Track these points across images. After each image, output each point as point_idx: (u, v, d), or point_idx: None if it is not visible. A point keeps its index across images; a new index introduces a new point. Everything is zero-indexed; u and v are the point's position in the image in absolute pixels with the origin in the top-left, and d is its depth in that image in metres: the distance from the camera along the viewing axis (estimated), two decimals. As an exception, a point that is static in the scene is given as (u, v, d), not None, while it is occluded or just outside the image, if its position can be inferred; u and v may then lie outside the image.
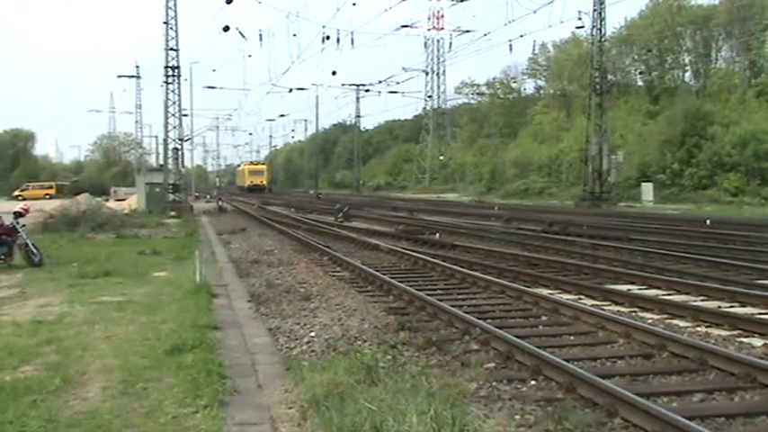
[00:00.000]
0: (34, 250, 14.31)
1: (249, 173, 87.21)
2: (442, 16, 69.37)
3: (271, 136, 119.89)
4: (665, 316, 8.80)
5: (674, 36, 54.93)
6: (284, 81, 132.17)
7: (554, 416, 5.13)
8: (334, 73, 51.47)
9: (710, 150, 39.03)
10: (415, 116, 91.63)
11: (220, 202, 42.39)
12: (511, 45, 40.56)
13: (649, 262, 13.47)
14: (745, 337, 7.66)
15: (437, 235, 20.30)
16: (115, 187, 58.25)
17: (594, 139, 39.04)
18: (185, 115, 43.27)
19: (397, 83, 66.92)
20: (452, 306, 8.96)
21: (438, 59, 79.96)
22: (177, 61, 36.42)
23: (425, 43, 77.36)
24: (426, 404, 4.61)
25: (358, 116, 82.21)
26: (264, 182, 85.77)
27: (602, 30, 39.42)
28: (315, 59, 72.59)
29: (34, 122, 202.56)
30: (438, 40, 76.15)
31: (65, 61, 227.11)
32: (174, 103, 36.96)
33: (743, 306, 9.17)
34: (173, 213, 32.66)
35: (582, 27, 40.85)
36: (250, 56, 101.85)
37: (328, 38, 38.10)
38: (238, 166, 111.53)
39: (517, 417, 5.25)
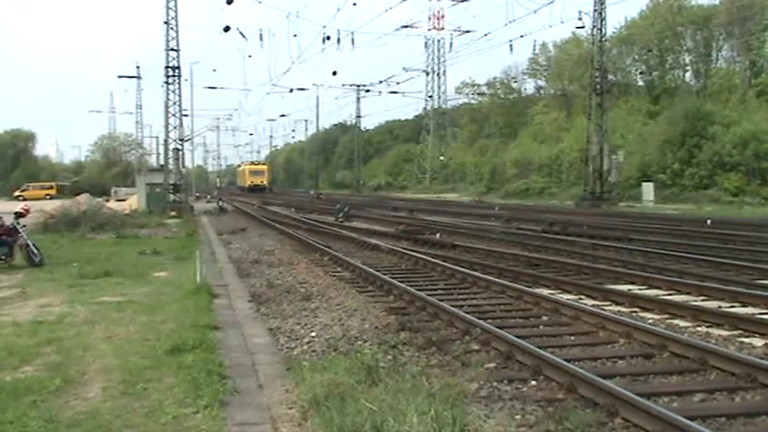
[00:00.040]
0: (35, 250, 14.33)
1: (250, 173, 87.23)
2: (443, 16, 69.72)
3: (271, 136, 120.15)
4: (666, 316, 8.79)
5: (675, 36, 54.95)
6: (285, 81, 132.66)
7: (555, 416, 5.13)
8: (334, 73, 51.51)
9: (711, 150, 39.05)
10: (416, 116, 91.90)
11: (221, 203, 42.38)
12: (511, 45, 40.48)
13: (650, 262, 13.46)
14: (746, 337, 7.66)
15: (437, 235, 20.30)
16: (116, 187, 58.35)
17: (595, 139, 39.04)
18: (186, 115, 43.44)
19: (398, 83, 66.97)
20: (453, 306, 8.95)
21: (438, 59, 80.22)
22: (178, 61, 36.49)
23: (426, 43, 77.74)
24: (427, 404, 4.61)
25: (358, 116, 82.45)
26: (265, 182, 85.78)
27: (603, 30, 39.47)
28: (315, 59, 72.50)
29: (34, 122, 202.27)
30: (438, 41, 76.46)
31: (65, 61, 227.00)
32: (174, 103, 36.97)
33: (743, 306, 9.16)
34: (173, 213, 32.67)
35: (582, 27, 40.96)
36: (250, 56, 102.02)
37: (329, 38, 38.13)
38: (239, 166, 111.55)
39: (518, 417, 5.24)
